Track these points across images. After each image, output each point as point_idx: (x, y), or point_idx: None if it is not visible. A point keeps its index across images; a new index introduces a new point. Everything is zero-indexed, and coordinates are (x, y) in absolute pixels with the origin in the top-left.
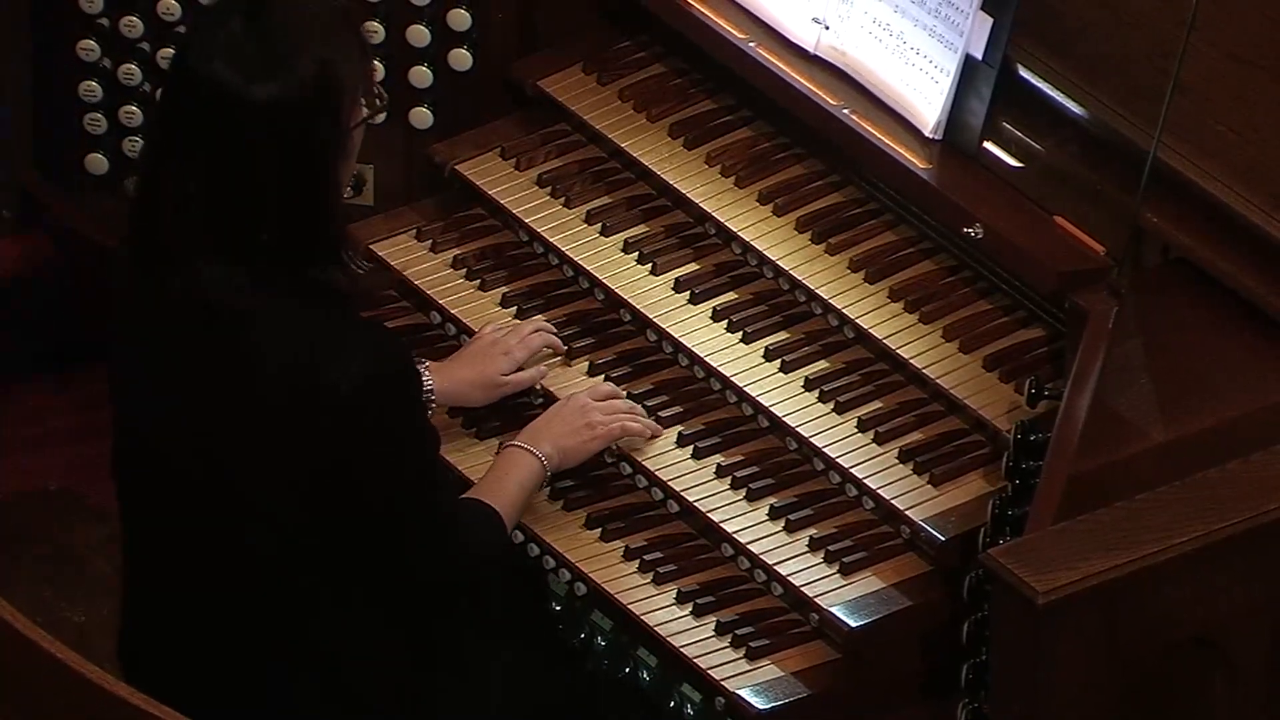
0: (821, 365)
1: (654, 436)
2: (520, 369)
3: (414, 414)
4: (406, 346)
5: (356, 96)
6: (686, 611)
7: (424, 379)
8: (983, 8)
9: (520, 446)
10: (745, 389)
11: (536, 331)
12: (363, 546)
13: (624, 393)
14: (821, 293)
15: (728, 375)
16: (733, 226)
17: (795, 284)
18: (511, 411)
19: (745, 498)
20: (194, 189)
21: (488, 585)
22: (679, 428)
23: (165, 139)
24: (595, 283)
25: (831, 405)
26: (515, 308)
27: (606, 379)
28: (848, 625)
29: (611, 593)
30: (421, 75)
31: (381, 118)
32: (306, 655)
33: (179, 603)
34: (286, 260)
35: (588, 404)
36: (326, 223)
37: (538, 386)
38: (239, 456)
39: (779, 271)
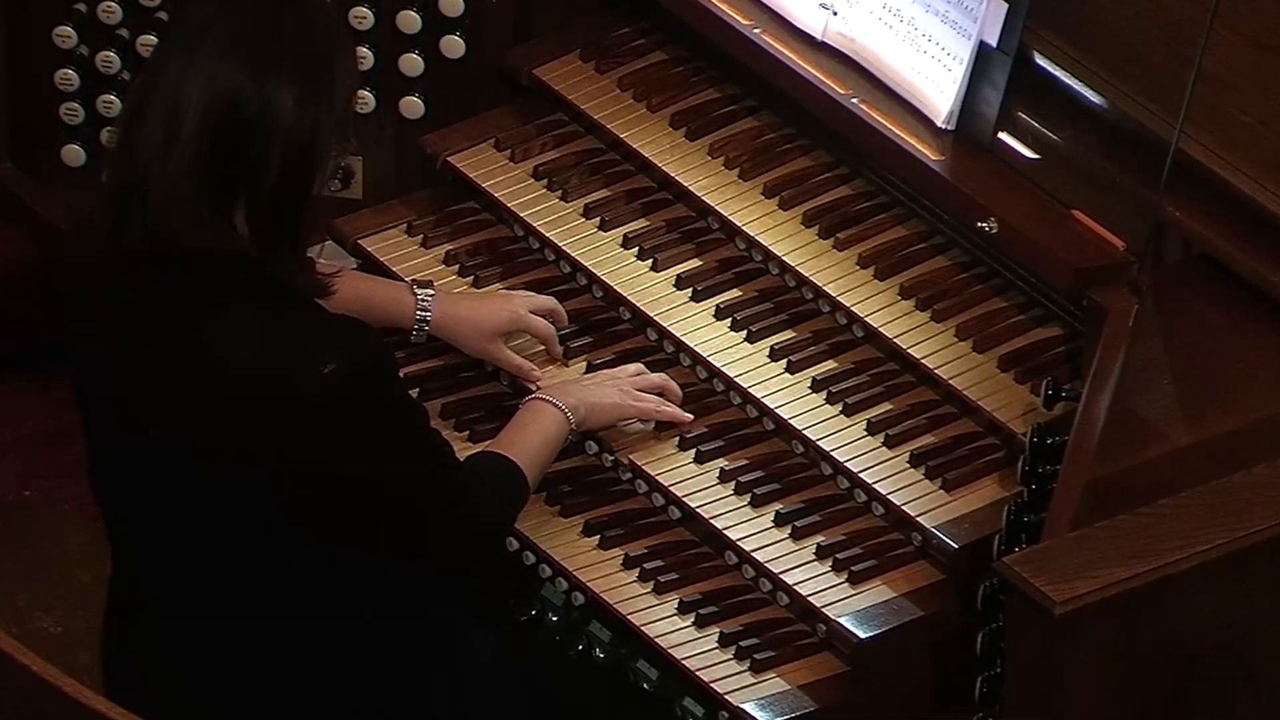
0: (829, 365)
1: (683, 435)
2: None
3: (395, 399)
4: (374, 331)
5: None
6: (688, 622)
7: (425, 304)
8: None
9: (543, 399)
10: (749, 390)
11: (551, 314)
12: (364, 535)
13: (648, 371)
14: (829, 290)
15: (731, 376)
16: (736, 221)
17: (802, 281)
18: (507, 414)
19: (750, 503)
20: (180, 132)
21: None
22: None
23: (150, 93)
24: (593, 279)
25: (840, 407)
26: None
27: None
28: (857, 636)
29: (610, 602)
30: (412, 63)
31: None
32: (301, 654)
33: (163, 600)
34: (256, 247)
35: (618, 375)
36: (298, 218)
37: (533, 387)
38: (217, 445)
39: (785, 268)
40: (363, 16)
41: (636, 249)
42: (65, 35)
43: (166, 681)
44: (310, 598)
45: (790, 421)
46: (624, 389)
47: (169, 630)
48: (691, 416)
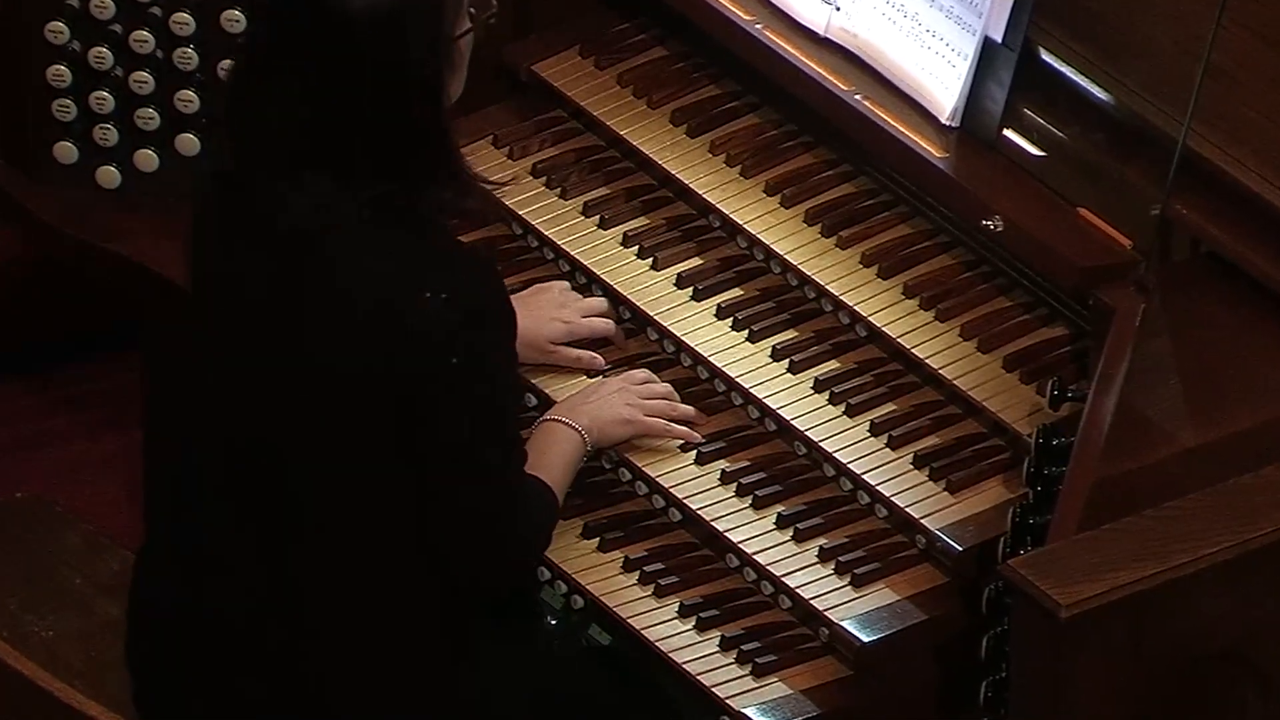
0: (832, 365)
1: (688, 442)
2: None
3: (490, 358)
4: (499, 281)
5: (461, 3)
6: (689, 626)
7: None
8: None
9: (558, 420)
10: (751, 390)
11: (602, 315)
12: (403, 523)
13: (657, 377)
14: (832, 289)
15: (733, 376)
16: (738, 219)
17: (804, 280)
18: None
19: (751, 505)
20: (288, 105)
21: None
22: None
23: (256, 55)
24: (593, 278)
25: (843, 408)
26: None
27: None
28: (860, 640)
29: (610, 606)
30: None
31: (494, 20)
32: (302, 652)
33: (164, 595)
34: (387, 180)
35: (625, 385)
36: (431, 140)
37: (545, 393)
38: (297, 396)
39: (787, 266)
40: None
41: (636, 247)
42: (57, 30)
43: (170, 682)
44: (315, 595)
45: (792, 422)
46: (632, 403)
47: (172, 627)
48: (700, 437)
